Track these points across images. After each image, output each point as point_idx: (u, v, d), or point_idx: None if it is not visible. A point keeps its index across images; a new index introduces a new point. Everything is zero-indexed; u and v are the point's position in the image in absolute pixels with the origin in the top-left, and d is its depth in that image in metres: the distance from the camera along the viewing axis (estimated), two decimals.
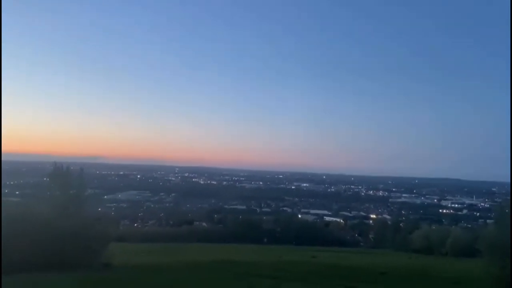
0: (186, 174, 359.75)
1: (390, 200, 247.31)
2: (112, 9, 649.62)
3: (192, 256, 41.18)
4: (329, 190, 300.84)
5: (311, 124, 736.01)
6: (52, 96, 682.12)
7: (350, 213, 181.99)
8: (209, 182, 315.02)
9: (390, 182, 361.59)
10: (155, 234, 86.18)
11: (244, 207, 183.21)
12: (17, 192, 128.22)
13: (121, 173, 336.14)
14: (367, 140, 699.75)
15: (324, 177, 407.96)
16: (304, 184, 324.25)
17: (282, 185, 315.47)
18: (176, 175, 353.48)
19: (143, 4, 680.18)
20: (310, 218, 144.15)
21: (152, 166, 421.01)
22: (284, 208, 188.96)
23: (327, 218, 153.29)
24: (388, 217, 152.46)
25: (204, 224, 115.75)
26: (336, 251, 58.50)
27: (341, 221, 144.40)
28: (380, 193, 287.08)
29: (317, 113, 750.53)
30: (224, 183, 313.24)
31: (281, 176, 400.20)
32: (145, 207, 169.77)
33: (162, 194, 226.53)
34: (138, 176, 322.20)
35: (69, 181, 34.52)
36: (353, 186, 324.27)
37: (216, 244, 65.15)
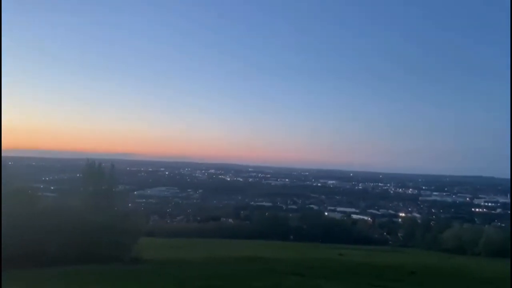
0: (213, 171, 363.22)
1: (420, 198, 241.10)
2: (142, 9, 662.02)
3: (219, 252, 41.68)
4: (356, 187, 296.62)
5: (337, 121, 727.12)
6: (84, 96, 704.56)
7: (378, 211, 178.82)
8: (235, 179, 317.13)
9: (420, 180, 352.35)
10: (183, 229, 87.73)
11: (270, 204, 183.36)
12: (52, 188, 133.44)
13: (150, 169, 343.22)
14: (396, 137, 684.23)
15: (351, 174, 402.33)
16: (330, 181, 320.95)
17: (308, 182, 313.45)
18: (203, 171, 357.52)
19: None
20: (337, 215, 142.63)
21: (180, 163, 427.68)
22: (311, 206, 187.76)
23: (354, 216, 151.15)
24: (418, 215, 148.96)
25: (230, 220, 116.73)
26: (363, 249, 57.73)
27: (369, 219, 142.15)
28: (410, 191, 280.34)
29: (344, 110, 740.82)
30: (250, 180, 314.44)
31: (307, 173, 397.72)
32: (173, 203, 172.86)
33: (189, 190, 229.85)
34: (166, 173, 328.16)
35: (101, 177, 35.69)
36: (381, 184, 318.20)
37: (242, 240, 65.65)
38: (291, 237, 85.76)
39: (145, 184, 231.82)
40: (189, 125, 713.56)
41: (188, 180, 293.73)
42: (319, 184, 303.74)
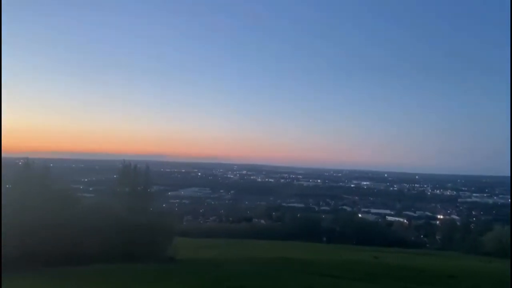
0: (244, 172, 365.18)
1: (459, 200, 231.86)
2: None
3: (252, 252, 41.85)
4: (391, 188, 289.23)
5: (370, 121, 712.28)
6: (120, 99, 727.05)
7: (415, 213, 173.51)
8: (266, 180, 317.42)
9: (459, 180, 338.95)
10: (216, 229, 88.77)
11: (302, 205, 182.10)
12: (90, 189, 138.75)
13: (183, 170, 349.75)
14: (433, 137, 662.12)
15: (385, 175, 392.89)
16: (364, 182, 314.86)
17: (341, 183, 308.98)
18: (235, 172, 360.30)
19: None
20: (371, 217, 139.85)
21: (212, 164, 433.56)
22: (344, 207, 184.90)
23: (389, 218, 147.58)
24: (457, 217, 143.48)
25: (262, 221, 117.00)
26: (399, 252, 56.21)
27: (405, 221, 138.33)
28: (448, 192, 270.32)
29: (377, 110, 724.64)
30: (282, 180, 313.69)
31: (339, 174, 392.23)
32: (206, 204, 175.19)
33: (221, 191, 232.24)
34: (199, 174, 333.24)
35: (137, 178, 36.76)
36: (417, 185, 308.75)
37: (274, 241, 65.50)
38: (324, 238, 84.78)
39: (178, 185, 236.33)
40: (221, 127, 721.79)
41: (220, 181, 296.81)
42: (352, 185, 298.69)
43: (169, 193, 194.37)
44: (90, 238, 28.94)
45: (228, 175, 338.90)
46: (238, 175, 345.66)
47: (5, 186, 32.09)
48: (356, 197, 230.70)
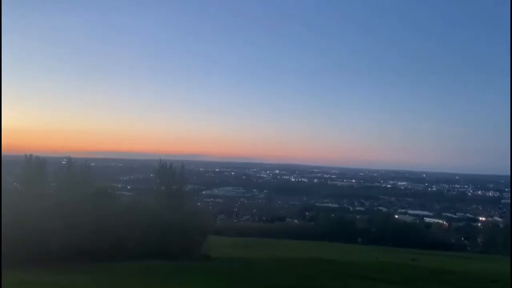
0: (277, 172, 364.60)
1: (502, 201, 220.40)
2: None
3: (285, 252, 41.75)
4: (429, 189, 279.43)
5: (408, 120, 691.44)
6: (156, 100, 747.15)
7: (455, 214, 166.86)
8: (299, 179, 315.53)
9: (502, 181, 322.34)
10: (249, 229, 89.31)
11: (336, 205, 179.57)
12: (129, 187, 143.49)
13: (217, 170, 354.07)
14: (474, 136, 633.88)
15: (423, 175, 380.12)
16: (401, 183, 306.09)
17: (376, 183, 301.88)
18: (268, 172, 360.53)
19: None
20: (408, 218, 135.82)
21: (245, 164, 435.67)
22: (379, 208, 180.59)
23: (427, 219, 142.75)
24: (499, 219, 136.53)
25: (295, 221, 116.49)
26: (439, 255, 54.27)
27: (444, 222, 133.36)
28: (490, 193, 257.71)
29: (414, 108, 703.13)
30: (315, 180, 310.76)
31: (375, 174, 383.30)
32: (239, 203, 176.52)
33: (255, 190, 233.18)
34: (232, 173, 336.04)
35: (173, 177, 37.62)
36: (457, 186, 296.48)
37: (308, 242, 65.04)
38: (359, 239, 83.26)
39: (212, 184, 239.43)
40: (254, 126, 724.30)
41: (254, 180, 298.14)
42: (388, 186, 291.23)
43: (203, 192, 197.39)
44: (128, 235, 29.91)
45: (261, 175, 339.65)
46: (271, 174, 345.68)
47: (50, 183, 33.80)
48: (393, 198, 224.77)
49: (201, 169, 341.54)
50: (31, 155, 31.57)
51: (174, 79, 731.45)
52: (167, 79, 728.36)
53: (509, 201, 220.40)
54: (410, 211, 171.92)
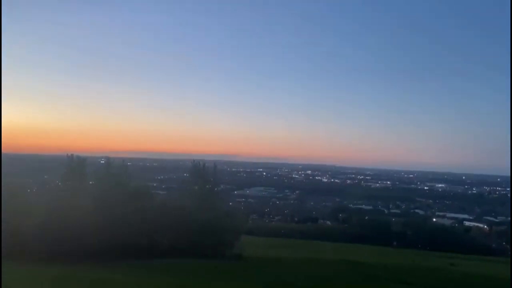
0: (309, 172, 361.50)
1: None
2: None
3: (319, 253, 41.24)
4: (469, 192, 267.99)
5: (448, 120, 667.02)
6: (190, 100, 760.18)
7: (496, 218, 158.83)
8: (332, 180, 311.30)
9: None
10: (281, 229, 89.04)
11: (370, 207, 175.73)
12: (163, 186, 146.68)
13: (248, 170, 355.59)
14: None
15: (463, 177, 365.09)
16: (439, 185, 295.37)
17: (413, 185, 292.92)
18: (300, 173, 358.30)
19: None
20: (446, 222, 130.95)
21: (277, 164, 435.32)
22: (416, 210, 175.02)
23: (467, 223, 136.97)
24: None
25: (328, 222, 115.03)
26: (478, 260, 51.93)
27: (485, 226, 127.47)
28: None
29: (456, 108, 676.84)
30: (348, 181, 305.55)
31: (411, 176, 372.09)
32: (271, 203, 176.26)
33: (286, 191, 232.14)
34: (264, 173, 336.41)
35: (205, 177, 38.08)
36: (499, 188, 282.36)
37: (341, 244, 63.99)
38: (394, 243, 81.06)
39: (244, 184, 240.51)
40: (286, 127, 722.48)
41: (285, 181, 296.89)
42: (425, 188, 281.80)
43: (235, 192, 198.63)
44: (162, 233, 30.60)
45: (293, 175, 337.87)
46: (303, 175, 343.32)
47: (88, 182, 35.09)
48: (430, 200, 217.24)
49: (233, 169, 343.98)
50: (72, 155, 32.88)
51: (208, 81, 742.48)
52: (201, 81, 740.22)
53: None
54: (448, 214, 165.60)
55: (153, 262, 25.48)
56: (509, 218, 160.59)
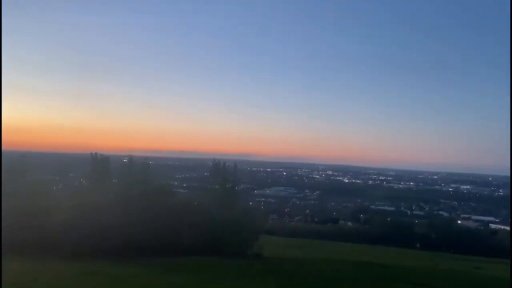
0: (330, 172, 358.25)
1: None
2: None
3: (339, 254, 40.87)
4: (495, 194, 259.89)
5: (473, 120, 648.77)
6: (211, 102, 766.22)
7: None
8: (353, 181, 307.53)
9: None
10: (301, 229, 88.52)
11: (392, 208, 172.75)
12: (184, 185, 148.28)
13: (269, 169, 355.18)
14: None
15: (489, 178, 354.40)
16: (464, 186, 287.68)
17: (437, 187, 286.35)
18: (320, 173, 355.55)
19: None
20: (472, 224, 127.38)
21: (297, 164, 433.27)
22: (440, 212, 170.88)
23: (493, 226, 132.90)
24: None
25: (349, 223, 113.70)
26: (505, 263, 50.26)
27: None
28: None
29: (481, 107, 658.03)
30: (370, 182, 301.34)
31: (435, 177, 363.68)
32: (291, 203, 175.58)
33: (307, 191, 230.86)
34: (284, 173, 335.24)
35: (226, 176, 38.38)
36: None
37: (362, 245, 63.22)
38: (417, 245, 79.41)
39: (264, 184, 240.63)
40: (308, 127, 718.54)
41: (306, 181, 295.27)
42: (450, 189, 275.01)
43: (255, 191, 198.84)
44: (183, 231, 30.93)
45: (314, 175, 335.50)
46: (323, 175, 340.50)
47: (112, 180, 35.87)
48: (455, 202, 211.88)
49: (253, 169, 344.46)
50: (96, 153, 33.69)
51: (229, 80, 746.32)
52: (223, 81, 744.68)
53: None
54: (474, 217, 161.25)
55: (174, 260, 25.81)
56: None
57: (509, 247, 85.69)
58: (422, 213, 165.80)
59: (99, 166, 33.21)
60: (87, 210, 27.56)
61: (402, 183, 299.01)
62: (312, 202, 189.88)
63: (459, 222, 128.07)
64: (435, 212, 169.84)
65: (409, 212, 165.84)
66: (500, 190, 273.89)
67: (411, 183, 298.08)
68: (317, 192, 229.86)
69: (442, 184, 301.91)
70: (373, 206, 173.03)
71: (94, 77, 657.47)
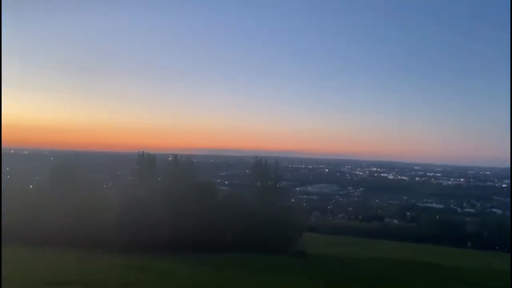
0: (374, 169, 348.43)
1: None
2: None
3: (386, 253, 39.86)
4: None
5: None
6: (251, 99, 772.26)
7: None
8: (399, 177, 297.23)
9: None
10: (344, 227, 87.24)
11: (441, 205, 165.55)
12: (226, 182, 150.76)
13: (310, 166, 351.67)
14: None
15: None
16: None
17: (489, 183, 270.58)
18: (364, 169, 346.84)
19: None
20: None
21: (340, 160, 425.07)
22: (493, 210, 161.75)
23: None
24: None
25: (395, 221, 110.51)
26: None
27: None
28: None
29: None
30: (417, 178, 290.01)
31: (487, 173, 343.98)
32: (333, 200, 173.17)
33: (350, 188, 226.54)
34: (326, 170, 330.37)
35: (267, 173, 38.53)
36: None
37: (409, 243, 61.21)
38: (469, 244, 75.78)
39: (306, 181, 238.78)
40: (349, 122, 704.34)
41: (348, 177, 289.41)
42: (504, 185, 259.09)
43: (297, 188, 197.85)
44: (227, 228, 31.50)
45: (357, 172, 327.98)
46: (367, 171, 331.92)
47: (158, 177, 37.16)
48: (509, 199, 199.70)
49: (294, 165, 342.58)
50: (143, 152, 35.03)
51: (266, 78, 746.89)
52: (260, 78, 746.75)
53: None
54: None
55: (218, 255, 26.29)
56: None
57: None
58: (473, 210, 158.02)
59: (146, 164, 34.51)
60: (134, 207, 28.74)
61: (451, 179, 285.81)
62: (355, 199, 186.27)
63: None
64: (488, 210, 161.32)
65: (459, 210, 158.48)
66: None
67: (461, 180, 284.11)
68: (361, 189, 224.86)
69: (495, 180, 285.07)
70: (420, 204, 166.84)
71: (135, 79, 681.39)
